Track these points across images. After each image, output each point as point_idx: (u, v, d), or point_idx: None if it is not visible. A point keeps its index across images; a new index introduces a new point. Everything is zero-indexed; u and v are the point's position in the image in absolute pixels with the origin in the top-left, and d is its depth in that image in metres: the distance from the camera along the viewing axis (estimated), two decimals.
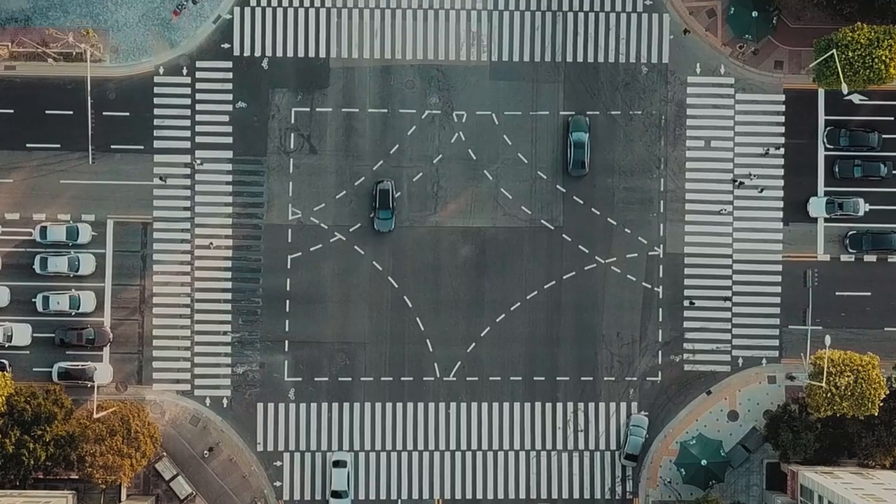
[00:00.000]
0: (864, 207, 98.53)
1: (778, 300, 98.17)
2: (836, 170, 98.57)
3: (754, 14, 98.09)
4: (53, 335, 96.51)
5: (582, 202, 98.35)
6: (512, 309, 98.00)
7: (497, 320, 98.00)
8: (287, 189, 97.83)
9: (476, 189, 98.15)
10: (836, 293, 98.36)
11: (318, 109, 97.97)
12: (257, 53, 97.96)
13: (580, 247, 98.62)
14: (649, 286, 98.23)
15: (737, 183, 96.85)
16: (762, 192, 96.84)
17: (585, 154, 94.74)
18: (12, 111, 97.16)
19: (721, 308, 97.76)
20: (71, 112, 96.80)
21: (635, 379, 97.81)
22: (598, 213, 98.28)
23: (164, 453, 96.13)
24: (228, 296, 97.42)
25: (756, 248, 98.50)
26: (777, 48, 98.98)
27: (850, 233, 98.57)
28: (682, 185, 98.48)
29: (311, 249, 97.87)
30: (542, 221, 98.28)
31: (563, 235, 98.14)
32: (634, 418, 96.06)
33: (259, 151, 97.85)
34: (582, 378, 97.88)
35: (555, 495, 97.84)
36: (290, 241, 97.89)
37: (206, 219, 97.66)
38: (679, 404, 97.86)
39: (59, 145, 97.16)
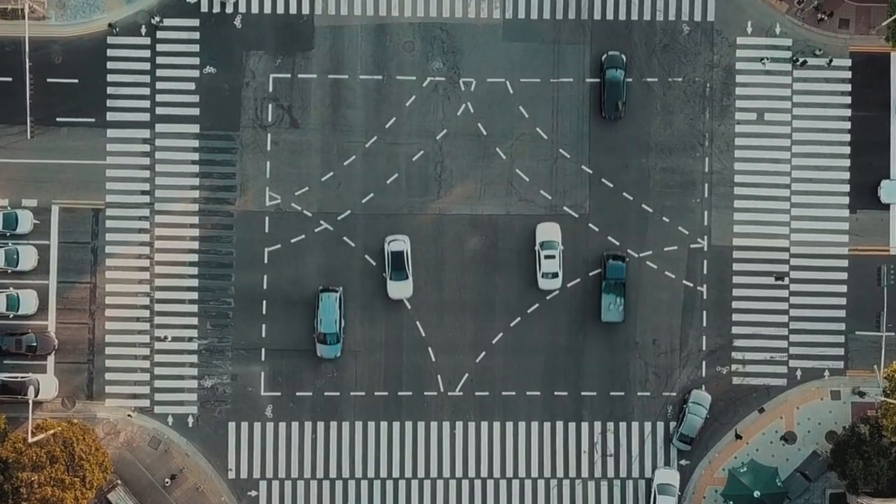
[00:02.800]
0: None
1: (843, 301, 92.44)
2: None
3: None
4: None
5: (612, 185, 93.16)
6: (529, 311, 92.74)
7: (511, 325, 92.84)
8: (264, 170, 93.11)
9: (487, 170, 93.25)
10: None
11: (300, 76, 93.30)
12: (229, 9, 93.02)
13: (609, 238, 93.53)
14: (691, 284, 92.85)
15: (799, 61, 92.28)
16: (831, 62, 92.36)
17: (621, 95, 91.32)
18: None
19: (776, 311, 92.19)
20: (10, 79, 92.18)
21: (674, 394, 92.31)
22: (631, 198, 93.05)
23: (119, 481, 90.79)
24: (194, 295, 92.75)
25: (818, 241, 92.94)
26: (842, 4, 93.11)
27: None
28: (730, 166, 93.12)
29: (292, 241, 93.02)
30: (565, 208, 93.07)
31: (590, 225, 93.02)
32: (695, 394, 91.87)
33: (230, 125, 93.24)
34: (611, 393, 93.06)
35: None
36: (267, 231, 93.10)
37: (167, 205, 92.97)
38: (726, 424, 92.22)
39: None
